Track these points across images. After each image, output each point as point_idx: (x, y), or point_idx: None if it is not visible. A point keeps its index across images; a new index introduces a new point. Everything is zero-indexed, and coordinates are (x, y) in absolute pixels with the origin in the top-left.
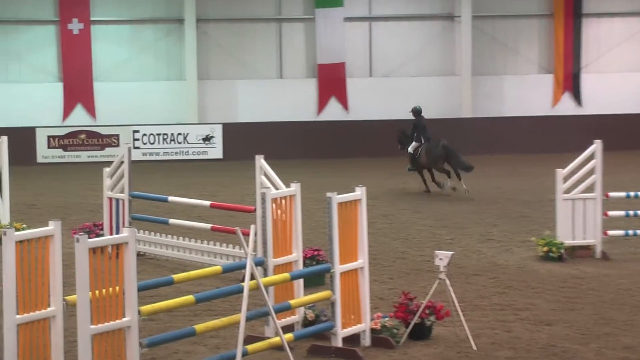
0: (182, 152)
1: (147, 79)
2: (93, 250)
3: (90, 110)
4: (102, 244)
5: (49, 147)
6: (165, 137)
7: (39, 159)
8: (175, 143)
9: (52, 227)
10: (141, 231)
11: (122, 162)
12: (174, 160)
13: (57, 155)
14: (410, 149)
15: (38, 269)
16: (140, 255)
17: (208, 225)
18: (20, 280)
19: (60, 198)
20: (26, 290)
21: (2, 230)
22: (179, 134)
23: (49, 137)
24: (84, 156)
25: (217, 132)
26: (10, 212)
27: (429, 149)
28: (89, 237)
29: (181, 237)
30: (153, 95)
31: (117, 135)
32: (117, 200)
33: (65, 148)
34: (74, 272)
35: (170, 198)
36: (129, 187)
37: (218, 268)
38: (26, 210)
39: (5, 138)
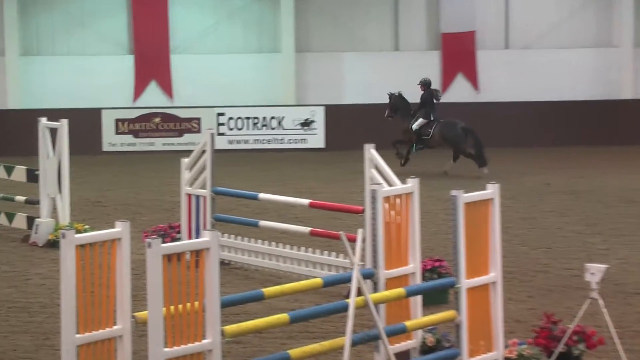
0: (276, 139)
1: (235, 52)
2: (168, 258)
3: (167, 88)
4: (179, 249)
5: (117, 132)
6: (255, 121)
7: (105, 147)
8: (267, 129)
9: (120, 228)
10: (226, 235)
11: (203, 152)
12: (266, 149)
13: (126, 142)
14: (415, 126)
15: (102, 279)
16: (224, 264)
17: (306, 229)
18: (82, 292)
19: (129, 194)
20: (88, 304)
21: (61, 232)
22: (272, 117)
23: (117, 120)
24: (158, 144)
25: (319, 116)
26: (70, 210)
27: (446, 131)
28: (163, 242)
29: (274, 243)
30: (241, 71)
31: (198, 119)
32: (198, 197)
33: (136, 134)
34: (144, 284)
35: (261, 195)
36: (211, 182)
37: (318, 281)
38: (89, 209)
39: (65, 122)
